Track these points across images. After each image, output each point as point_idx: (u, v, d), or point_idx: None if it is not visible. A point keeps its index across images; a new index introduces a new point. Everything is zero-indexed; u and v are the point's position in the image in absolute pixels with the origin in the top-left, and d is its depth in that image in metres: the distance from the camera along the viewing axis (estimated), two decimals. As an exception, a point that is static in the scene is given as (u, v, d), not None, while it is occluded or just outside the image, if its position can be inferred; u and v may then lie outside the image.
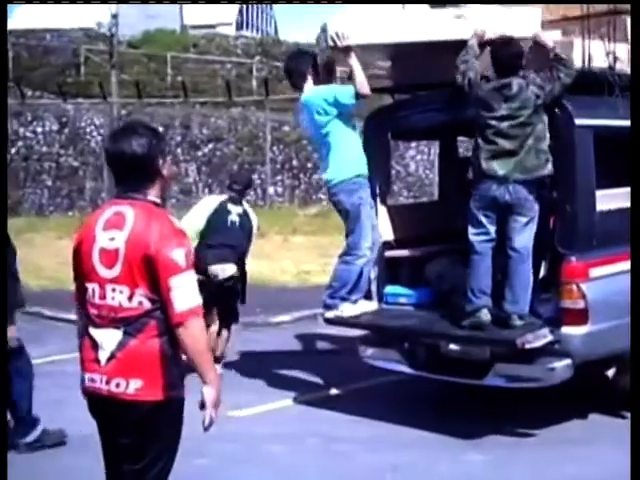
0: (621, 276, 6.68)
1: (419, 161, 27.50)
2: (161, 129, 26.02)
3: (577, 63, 6.59)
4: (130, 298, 3.62)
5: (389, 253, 7.60)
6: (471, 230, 6.61)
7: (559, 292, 6.45)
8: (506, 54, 6.56)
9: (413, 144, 26.31)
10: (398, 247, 7.63)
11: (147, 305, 3.63)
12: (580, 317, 6.39)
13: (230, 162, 25.79)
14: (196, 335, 3.63)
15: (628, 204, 6.88)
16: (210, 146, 26.49)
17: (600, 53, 6.73)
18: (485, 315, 6.49)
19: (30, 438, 6.25)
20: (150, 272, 3.60)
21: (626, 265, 6.73)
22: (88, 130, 25.76)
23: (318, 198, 27.95)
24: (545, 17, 7.18)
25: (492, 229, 6.58)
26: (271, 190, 25.53)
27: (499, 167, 6.47)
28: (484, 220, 6.56)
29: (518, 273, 6.58)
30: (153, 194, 3.76)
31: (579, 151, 6.43)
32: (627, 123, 6.85)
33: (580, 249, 6.48)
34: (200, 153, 26.21)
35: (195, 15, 42.77)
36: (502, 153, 6.46)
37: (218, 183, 24.47)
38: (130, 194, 3.74)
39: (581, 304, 6.38)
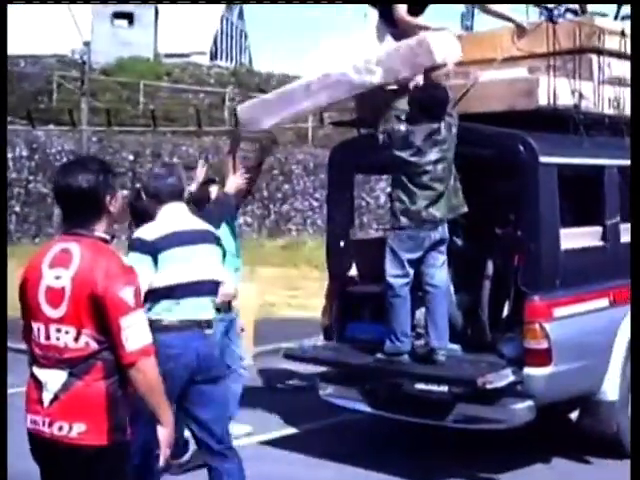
0: (586, 316, 6.64)
1: (378, 189, 27.57)
2: (131, 157, 26.02)
3: (543, 100, 6.51)
4: (76, 339, 3.50)
5: (350, 289, 7.46)
6: (392, 272, 6.52)
7: (522, 332, 6.33)
8: (435, 100, 6.51)
9: (385, 176, 26.29)
10: (361, 282, 7.50)
11: (94, 346, 3.51)
12: (543, 358, 6.27)
13: (200, 191, 25.59)
14: (149, 375, 3.53)
15: (593, 243, 6.88)
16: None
17: (566, 91, 6.65)
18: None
19: None
20: (97, 312, 3.48)
21: (591, 305, 6.71)
22: (58, 157, 25.55)
23: (287, 229, 27.91)
24: (511, 53, 7.14)
25: (412, 272, 6.54)
26: (240, 220, 25.37)
27: (437, 211, 6.45)
28: (407, 262, 6.50)
29: (440, 309, 6.56)
30: (100, 230, 3.64)
31: (543, 189, 6.34)
32: (592, 161, 6.85)
33: (544, 288, 6.37)
34: (170, 182, 25.99)
35: (169, 43, 42.74)
36: (438, 197, 6.44)
37: (193, 212, 24.22)
38: (77, 230, 3.62)
39: (544, 344, 6.26)
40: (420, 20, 7.05)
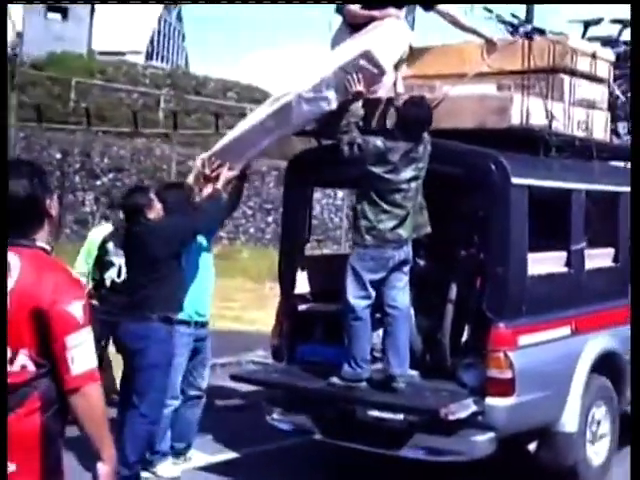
0: (550, 345, 6.42)
1: (324, 205, 27.16)
2: (59, 156, 25.31)
3: (515, 119, 6.25)
4: (12, 361, 3.07)
5: (302, 307, 7.11)
6: (354, 293, 6.21)
7: (485, 359, 6.05)
8: (418, 118, 6.24)
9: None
10: (313, 301, 7.15)
11: (31, 369, 3.09)
12: (506, 388, 5.99)
13: (130, 194, 25.05)
14: (93, 403, 3.14)
15: (557, 269, 6.64)
16: (110, 176, 25.67)
17: (538, 110, 6.41)
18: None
19: None
20: (40, 329, 3.08)
21: (553, 333, 6.47)
22: (-19, 152, 24.68)
23: (219, 237, 27.40)
24: (480, 69, 6.88)
25: (374, 293, 6.25)
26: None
27: (403, 231, 6.19)
28: (369, 283, 6.21)
29: (401, 333, 6.31)
30: (42, 239, 3.25)
31: (514, 211, 6.07)
32: (562, 184, 6.61)
33: (509, 315, 6.10)
34: (99, 182, 25.36)
35: (104, 41, 41.89)
36: (406, 216, 6.18)
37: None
38: (16, 241, 3.19)
39: (508, 374, 5.98)
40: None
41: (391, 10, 6.60)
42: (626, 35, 8.37)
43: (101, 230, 8.43)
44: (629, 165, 8.07)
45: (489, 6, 7.81)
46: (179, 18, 57.43)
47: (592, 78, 7.06)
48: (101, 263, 7.89)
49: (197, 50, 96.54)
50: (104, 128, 27.32)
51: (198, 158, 6.68)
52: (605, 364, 6.88)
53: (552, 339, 6.43)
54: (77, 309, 3.12)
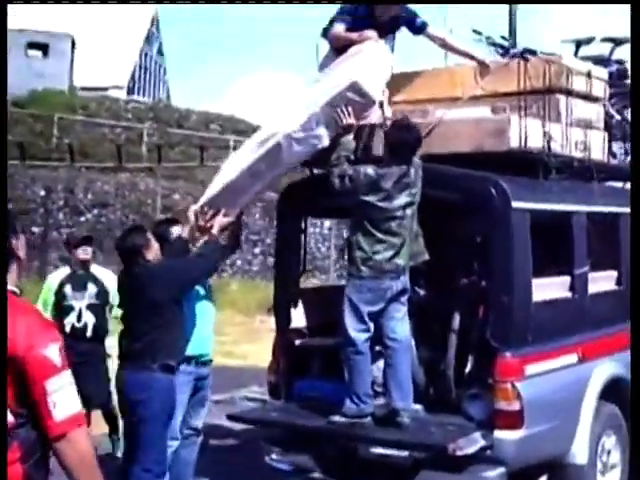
0: (557, 373, 6.21)
1: (311, 234, 26.92)
2: (42, 192, 25.07)
3: (514, 141, 6.07)
4: None
5: (299, 342, 6.87)
6: (353, 326, 5.97)
7: (492, 391, 5.82)
8: (408, 142, 6.04)
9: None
10: (310, 335, 6.92)
11: (10, 420, 2.91)
12: (515, 420, 5.76)
13: (115, 229, 24.84)
14: (82, 450, 3.00)
15: (561, 294, 6.44)
16: (95, 212, 25.46)
17: (536, 132, 6.23)
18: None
19: None
20: (16, 377, 2.92)
21: (560, 361, 6.26)
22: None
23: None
24: (474, 92, 6.71)
25: (372, 325, 6.03)
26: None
27: (400, 260, 5.98)
28: (367, 316, 5.98)
29: (403, 365, 6.08)
30: (11, 281, 3.08)
31: (516, 236, 5.86)
32: (563, 207, 6.43)
33: (516, 344, 5.87)
34: (83, 219, 25.13)
35: (85, 76, 41.73)
36: (402, 244, 5.98)
37: (102, 251, 23.54)
38: None
39: (516, 405, 5.75)
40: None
41: (369, 33, 6.41)
42: (618, 54, 8.25)
43: (58, 274, 8.06)
44: (627, 186, 7.93)
45: (478, 28, 7.70)
46: (160, 52, 57.37)
47: (588, 97, 6.89)
48: (60, 308, 7.60)
49: (178, 83, 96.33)
50: (87, 164, 27.11)
51: (190, 210, 6.36)
52: (613, 391, 6.66)
53: (559, 367, 6.21)
54: (54, 352, 2.98)
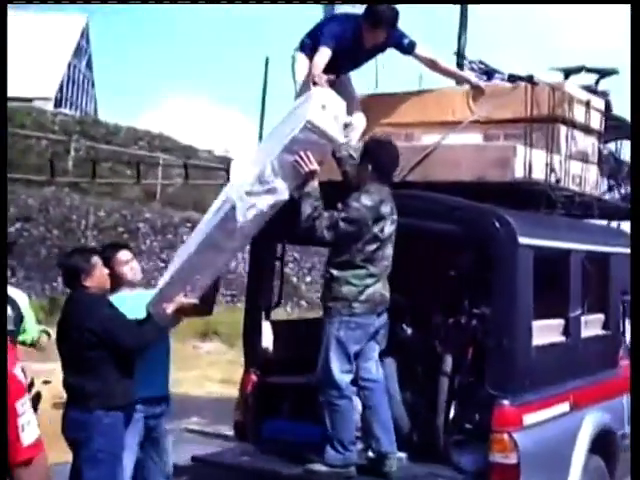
0: (550, 423, 5.75)
1: (240, 258, 26.27)
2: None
3: (519, 172, 5.64)
4: None
5: (270, 379, 6.29)
6: (339, 367, 5.40)
7: (487, 442, 5.33)
8: (394, 158, 5.61)
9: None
10: (280, 372, 6.34)
11: None
12: (511, 474, 5.28)
13: (38, 244, 23.94)
14: (44, 475, 2.91)
15: (556, 338, 6.03)
16: (17, 225, 24.46)
17: (539, 163, 5.81)
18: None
19: None
20: None
21: (554, 410, 5.83)
22: None
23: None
24: (466, 117, 6.29)
25: (354, 367, 5.52)
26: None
27: (386, 292, 5.54)
28: (352, 356, 5.47)
29: (383, 407, 5.60)
30: None
31: (521, 275, 5.41)
32: (563, 245, 6.03)
33: (514, 391, 5.40)
34: (4, 233, 24.10)
35: (11, 87, 40.48)
36: (384, 274, 5.52)
37: (22, 266, 22.75)
38: None
39: (513, 458, 5.27)
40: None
41: (322, 78, 5.91)
42: (603, 84, 7.92)
43: None
44: (614, 224, 7.58)
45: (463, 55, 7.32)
46: (89, 65, 56.19)
47: (586, 129, 6.51)
48: None
49: (106, 98, 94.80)
50: (11, 176, 26.07)
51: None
52: (600, 443, 6.24)
53: (552, 417, 5.77)
54: (19, 371, 2.87)
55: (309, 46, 6.37)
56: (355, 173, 5.59)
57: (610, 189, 7.39)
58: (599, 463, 6.33)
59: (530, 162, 5.65)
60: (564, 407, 5.92)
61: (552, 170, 5.91)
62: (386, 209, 5.39)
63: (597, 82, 7.97)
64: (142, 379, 5.47)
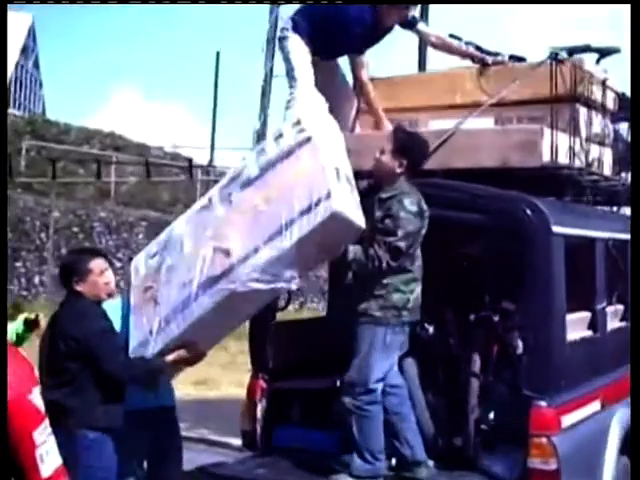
0: (584, 424, 5.37)
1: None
2: None
3: (546, 156, 5.26)
4: None
5: (279, 384, 5.85)
6: (378, 374, 5.01)
7: (524, 447, 4.95)
8: (425, 152, 5.24)
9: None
10: (289, 376, 5.90)
11: None
12: (551, 481, 4.91)
13: (-11, 247, 23.23)
14: None
15: (587, 332, 5.68)
16: (-34, 228, 23.74)
17: (563, 147, 5.44)
18: None
19: None
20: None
21: (589, 409, 5.47)
22: None
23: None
24: (475, 99, 5.90)
25: None
26: (36, 280, 23.16)
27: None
28: (393, 363, 5.16)
29: (409, 412, 5.28)
30: None
31: (556, 266, 5.03)
32: (590, 233, 5.68)
33: (551, 391, 5.03)
34: (-46, 235, 23.35)
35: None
36: None
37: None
38: None
39: (553, 464, 4.90)
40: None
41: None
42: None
43: None
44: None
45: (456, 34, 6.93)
46: (36, 65, 54.99)
47: (603, 109, 6.15)
48: None
49: (55, 98, 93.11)
50: (-37, 178, 25.32)
51: None
52: (627, 442, 5.90)
53: (586, 417, 5.41)
54: (37, 397, 2.77)
55: (305, 28, 5.96)
56: (381, 165, 5.14)
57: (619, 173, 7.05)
58: (626, 461, 5.99)
59: (557, 145, 5.28)
60: (596, 406, 5.57)
61: (574, 154, 5.54)
62: (425, 207, 5.00)
63: (598, 61, 7.64)
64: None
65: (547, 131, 5.27)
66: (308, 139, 4.73)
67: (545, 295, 5.01)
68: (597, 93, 6.01)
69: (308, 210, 4.52)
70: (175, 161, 32.36)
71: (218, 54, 25.82)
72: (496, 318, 5.52)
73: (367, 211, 4.82)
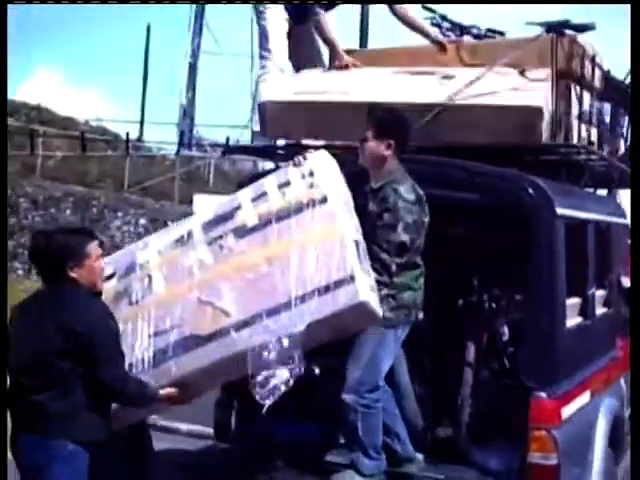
0: (576, 416, 5.12)
1: (125, 232, 25.24)
2: None
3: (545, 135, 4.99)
4: None
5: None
6: (384, 371, 4.71)
7: (523, 441, 4.67)
8: (409, 132, 4.88)
9: (120, 213, 24.31)
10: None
11: None
12: (551, 477, 4.65)
13: None
14: None
15: (578, 318, 5.45)
16: None
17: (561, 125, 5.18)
18: None
19: None
20: None
21: (581, 400, 5.23)
22: None
23: (13, 267, 24.99)
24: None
25: None
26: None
27: None
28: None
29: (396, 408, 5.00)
30: None
31: (559, 249, 4.76)
32: (584, 216, 5.44)
33: (552, 381, 4.76)
34: None
35: None
36: None
37: None
38: None
39: (553, 459, 4.63)
40: None
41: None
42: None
43: None
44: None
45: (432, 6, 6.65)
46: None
47: (591, 88, 5.89)
48: None
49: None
50: None
51: None
52: (612, 433, 5.69)
53: (578, 408, 5.16)
54: None
55: None
56: (367, 152, 4.75)
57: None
58: (610, 453, 5.79)
59: (559, 124, 5.01)
60: (586, 396, 5.33)
61: (572, 132, 5.29)
62: (421, 192, 4.66)
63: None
64: None
65: (547, 110, 4.98)
66: (324, 199, 4.21)
67: (548, 279, 4.73)
68: (588, 70, 5.75)
69: (326, 290, 4.05)
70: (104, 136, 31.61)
71: (149, 28, 25.15)
72: (485, 304, 5.26)
73: (360, 204, 4.49)
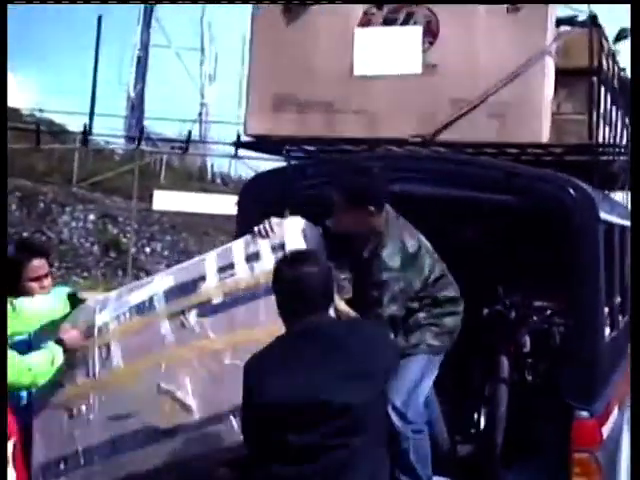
0: (611, 433, 4.80)
1: (74, 228, 24.60)
2: None
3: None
4: None
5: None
6: (425, 397, 4.36)
7: (565, 464, 4.32)
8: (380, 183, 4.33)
9: (68, 208, 23.68)
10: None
11: None
12: (595, 501, 4.33)
13: None
14: None
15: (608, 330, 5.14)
16: None
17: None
18: None
19: None
20: None
21: (615, 413, 4.94)
22: None
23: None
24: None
25: None
26: None
27: None
28: None
29: None
30: None
31: (602, 256, 4.42)
32: (614, 220, 5.14)
33: (594, 401, 4.42)
34: None
35: None
36: None
37: None
38: None
39: (598, 484, 4.32)
40: None
41: None
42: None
43: None
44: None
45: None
46: None
47: (611, 85, 5.58)
48: None
49: None
50: None
51: None
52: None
53: (612, 426, 4.86)
54: None
55: None
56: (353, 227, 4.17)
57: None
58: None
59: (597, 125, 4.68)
60: (616, 412, 5.04)
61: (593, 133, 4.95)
62: (411, 248, 4.13)
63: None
64: None
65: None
66: None
67: (591, 289, 4.38)
68: (609, 67, 5.45)
69: None
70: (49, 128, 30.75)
71: (100, 19, 24.56)
72: (512, 313, 4.92)
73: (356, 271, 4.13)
